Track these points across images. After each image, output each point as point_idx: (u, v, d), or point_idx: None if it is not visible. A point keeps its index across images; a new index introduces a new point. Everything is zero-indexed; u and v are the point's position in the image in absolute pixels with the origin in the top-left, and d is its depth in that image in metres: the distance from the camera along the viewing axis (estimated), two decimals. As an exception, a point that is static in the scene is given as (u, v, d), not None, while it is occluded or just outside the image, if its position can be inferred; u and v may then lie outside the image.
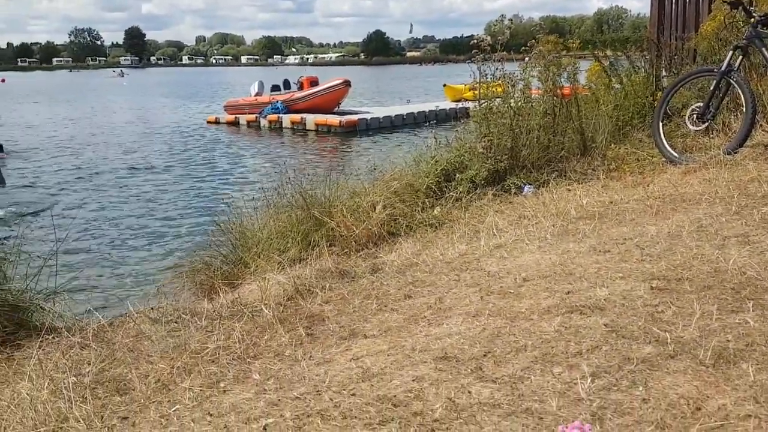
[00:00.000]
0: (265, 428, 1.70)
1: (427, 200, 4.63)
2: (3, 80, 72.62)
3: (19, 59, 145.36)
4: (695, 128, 4.86)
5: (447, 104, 22.77)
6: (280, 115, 21.26)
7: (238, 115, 22.61)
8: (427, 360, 1.93)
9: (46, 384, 2.12)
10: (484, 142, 5.06)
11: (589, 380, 1.64)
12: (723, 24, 6.44)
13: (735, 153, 4.27)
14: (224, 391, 2.02)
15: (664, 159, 4.81)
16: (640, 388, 1.58)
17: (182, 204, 9.68)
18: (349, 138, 18.72)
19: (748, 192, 3.35)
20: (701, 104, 4.80)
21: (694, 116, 4.82)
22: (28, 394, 2.06)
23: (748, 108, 4.34)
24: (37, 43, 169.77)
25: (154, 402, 2.00)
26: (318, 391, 1.86)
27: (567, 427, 1.39)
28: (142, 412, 1.94)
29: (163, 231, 7.89)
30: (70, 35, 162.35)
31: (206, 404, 1.92)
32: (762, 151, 4.31)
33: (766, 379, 1.55)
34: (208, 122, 23.53)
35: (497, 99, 5.32)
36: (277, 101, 21.97)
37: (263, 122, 21.56)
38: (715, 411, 1.45)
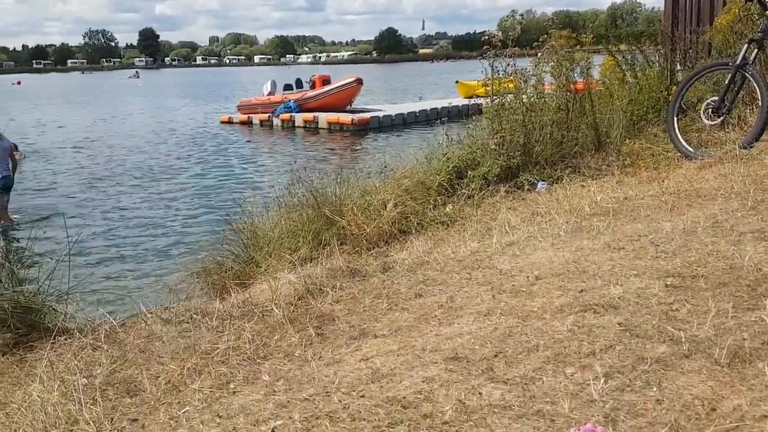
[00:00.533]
0: (273, 430, 1.68)
1: (438, 198, 4.60)
2: (19, 82, 73.39)
3: (33, 61, 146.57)
4: (710, 122, 4.80)
5: (459, 101, 22.66)
6: (293, 114, 21.29)
7: (251, 115, 22.66)
8: (438, 360, 1.91)
9: (57, 386, 2.12)
10: (497, 138, 5.03)
11: (602, 381, 1.61)
12: (738, 17, 6.36)
13: (751, 147, 4.21)
14: (234, 392, 2.01)
15: (679, 154, 4.75)
16: (654, 389, 1.55)
17: (195, 204, 9.72)
18: (361, 136, 18.71)
19: (764, 187, 3.30)
20: (716, 98, 4.74)
21: (709, 110, 4.77)
22: (38, 396, 2.07)
23: (763, 101, 4.28)
24: (51, 44, 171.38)
25: (164, 403, 1.99)
26: (327, 392, 1.84)
27: (579, 430, 1.36)
28: (152, 414, 1.93)
29: (176, 231, 7.92)
30: (84, 37, 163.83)
31: (216, 406, 1.92)
32: (779, 145, 4.24)
33: (784, 379, 1.52)
34: (222, 122, 23.61)
35: (509, 95, 5.28)
36: (290, 100, 22.00)
37: (276, 121, 21.60)
38: (731, 412, 1.42)
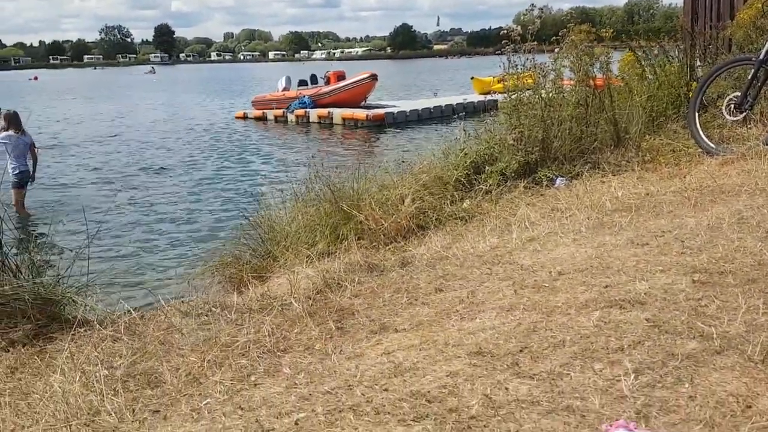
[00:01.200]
0: (296, 423, 1.67)
1: (456, 193, 4.57)
2: (36, 78, 73.99)
3: (50, 57, 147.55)
4: (732, 118, 4.73)
5: (475, 97, 22.59)
6: (307, 109, 21.29)
7: (265, 111, 22.69)
8: (461, 355, 1.88)
9: (78, 377, 2.12)
10: (515, 133, 4.98)
11: (632, 377, 1.58)
12: (760, 12, 6.27)
13: (775, 143, 4.15)
14: (255, 384, 2.00)
15: (700, 150, 4.69)
16: (686, 385, 1.52)
17: (212, 199, 9.74)
18: (376, 132, 18.67)
19: (791, 183, 3.24)
20: (738, 94, 4.67)
21: (732, 106, 4.70)
22: (60, 387, 2.07)
23: (788, 97, 4.21)
24: (68, 40, 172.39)
25: (185, 395, 1.98)
26: (349, 385, 1.82)
27: (611, 426, 1.34)
28: (174, 406, 1.92)
29: (194, 226, 7.94)
30: (100, 33, 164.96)
31: (237, 398, 1.90)
32: (803, 141, 4.17)
33: (822, 377, 1.48)
34: (237, 117, 23.68)
35: (528, 90, 5.23)
36: (304, 96, 21.99)
37: (290, 117, 21.62)
38: (767, 409, 1.38)
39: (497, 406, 1.55)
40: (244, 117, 23.43)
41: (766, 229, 2.61)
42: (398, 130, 18.54)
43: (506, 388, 1.63)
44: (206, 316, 2.82)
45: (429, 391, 1.69)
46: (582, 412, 1.47)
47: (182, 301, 3.21)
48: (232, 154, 14.85)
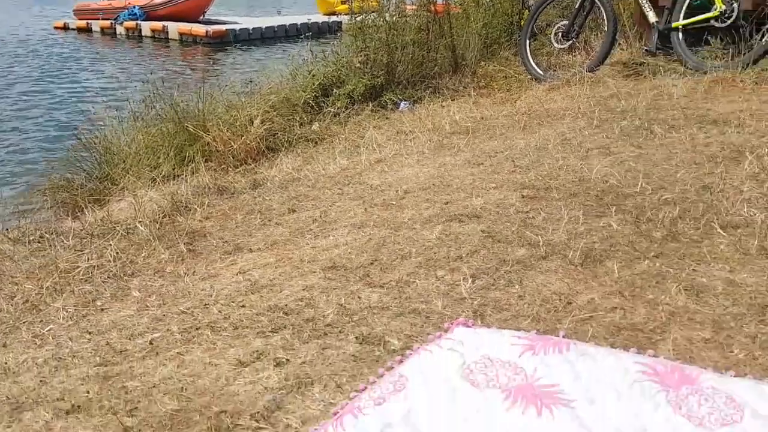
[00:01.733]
0: (151, 342, 1.67)
1: (305, 115, 4.56)
2: None
3: None
4: (560, 46, 5.05)
5: (319, 17, 22.12)
6: (139, 22, 19.75)
7: (90, 21, 20.74)
8: (316, 270, 1.96)
9: None
10: (361, 56, 5.02)
11: (469, 281, 1.75)
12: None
13: (596, 70, 4.52)
14: (102, 309, 1.95)
15: (530, 76, 5.00)
16: (516, 287, 1.71)
17: (36, 118, 8.83)
18: (217, 49, 17.76)
19: (608, 107, 3.59)
20: (566, 23, 4.98)
21: (559, 34, 5.00)
22: None
23: (609, 27, 4.57)
24: None
25: (24, 323, 1.90)
26: (205, 304, 1.84)
27: (452, 324, 1.49)
28: (13, 333, 1.84)
29: (16, 147, 7.21)
30: None
31: (83, 323, 1.86)
32: (620, 69, 4.60)
33: (629, 276, 1.73)
34: (56, 28, 21.43)
35: (373, 13, 5.24)
36: (134, 6, 20.28)
37: (119, 29, 19.94)
38: (585, 304, 1.60)
39: (351, 313, 1.65)
40: (65, 28, 21.26)
41: (587, 149, 2.90)
42: (241, 48, 17.80)
43: (359, 297, 1.73)
44: (39, 242, 2.67)
45: (286, 305, 1.75)
46: (426, 313, 1.61)
47: (9, 228, 3.00)
48: (55, 69, 13.49)
